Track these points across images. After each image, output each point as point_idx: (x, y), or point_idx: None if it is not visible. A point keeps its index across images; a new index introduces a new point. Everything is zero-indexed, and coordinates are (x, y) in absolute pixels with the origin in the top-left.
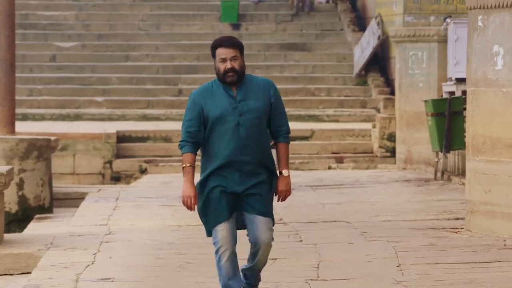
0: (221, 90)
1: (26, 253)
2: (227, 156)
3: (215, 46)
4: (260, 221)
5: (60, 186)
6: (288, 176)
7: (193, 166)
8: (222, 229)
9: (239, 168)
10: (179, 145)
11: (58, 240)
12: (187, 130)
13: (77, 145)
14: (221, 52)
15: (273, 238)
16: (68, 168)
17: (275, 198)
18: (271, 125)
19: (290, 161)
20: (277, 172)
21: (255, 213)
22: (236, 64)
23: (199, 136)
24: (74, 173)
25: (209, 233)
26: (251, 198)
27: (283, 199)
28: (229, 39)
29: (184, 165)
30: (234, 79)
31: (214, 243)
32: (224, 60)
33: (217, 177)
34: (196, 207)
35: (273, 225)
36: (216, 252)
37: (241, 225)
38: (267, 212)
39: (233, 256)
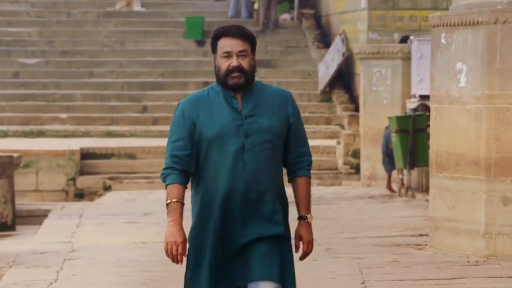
0: (221, 100)
1: None
2: (227, 194)
3: (217, 36)
4: None
5: (23, 203)
6: (311, 224)
7: (181, 202)
8: None
9: (244, 211)
10: (161, 174)
11: (21, 258)
12: (172, 154)
13: (41, 162)
14: (225, 43)
15: None
16: (31, 185)
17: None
18: (289, 153)
19: None
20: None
21: (260, 279)
22: (244, 62)
23: (189, 162)
24: (37, 190)
25: None
26: (257, 257)
27: (306, 256)
28: (238, 27)
29: (168, 201)
30: (240, 82)
31: None
32: (228, 55)
33: (212, 226)
34: (183, 258)
35: None
36: None
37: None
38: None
39: None
